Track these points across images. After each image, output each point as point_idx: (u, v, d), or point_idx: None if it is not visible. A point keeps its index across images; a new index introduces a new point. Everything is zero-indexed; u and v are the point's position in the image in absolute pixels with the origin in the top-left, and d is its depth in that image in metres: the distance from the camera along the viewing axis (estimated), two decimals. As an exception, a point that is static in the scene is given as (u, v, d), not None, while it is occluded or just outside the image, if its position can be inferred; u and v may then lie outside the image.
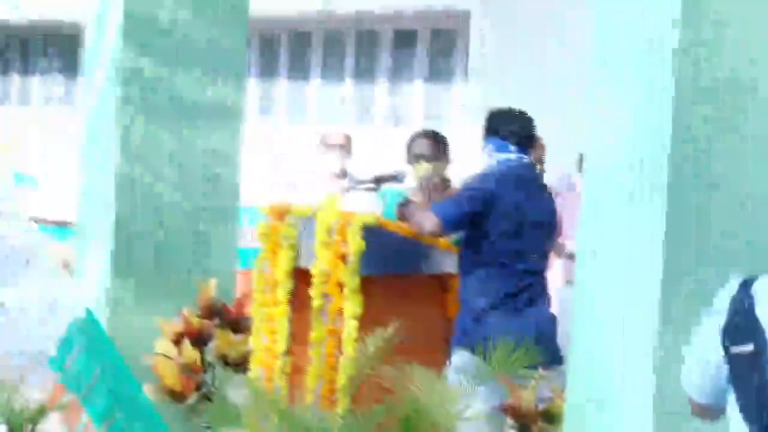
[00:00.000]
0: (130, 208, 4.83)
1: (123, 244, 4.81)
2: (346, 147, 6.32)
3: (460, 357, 3.73)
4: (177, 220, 4.94)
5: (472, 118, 9.15)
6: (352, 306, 3.85)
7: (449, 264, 4.18)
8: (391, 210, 4.81)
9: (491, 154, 4.00)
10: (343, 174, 6.15)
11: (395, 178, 4.61)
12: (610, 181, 3.11)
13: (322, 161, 6.38)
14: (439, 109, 14.52)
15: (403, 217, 4.01)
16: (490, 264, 3.87)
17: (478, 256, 3.89)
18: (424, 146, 4.63)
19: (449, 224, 3.91)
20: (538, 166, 6.46)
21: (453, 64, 14.44)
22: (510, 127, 4.01)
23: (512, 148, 3.98)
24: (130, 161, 4.82)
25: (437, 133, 4.79)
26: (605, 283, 3.09)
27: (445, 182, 4.66)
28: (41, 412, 4.00)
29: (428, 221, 3.89)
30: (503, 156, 3.98)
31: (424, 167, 4.53)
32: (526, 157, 3.99)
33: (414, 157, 4.63)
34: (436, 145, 4.62)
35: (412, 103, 14.97)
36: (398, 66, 15.16)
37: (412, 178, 4.68)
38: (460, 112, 12.84)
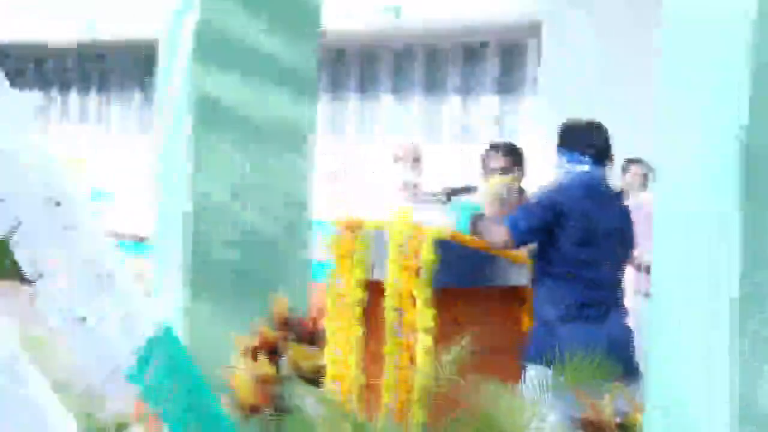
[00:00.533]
0: (205, 225, 4.88)
1: (199, 260, 4.86)
2: (416, 159, 6.33)
3: (533, 370, 3.69)
4: (251, 236, 4.98)
5: (542, 131, 9.10)
6: (424, 319, 3.84)
7: (522, 276, 4.15)
8: (464, 223, 4.80)
9: (563, 167, 3.97)
10: (414, 186, 6.16)
11: (467, 190, 4.60)
12: (683, 195, 3.06)
13: (392, 173, 6.39)
14: (509, 123, 14.46)
15: (475, 230, 4.00)
16: (560, 274, 3.84)
17: (549, 267, 3.87)
18: (497, 159, 4.61)
19: (520, 236, 3.90)
20: None
21: (523, 77, 14.38)
22: (584, 140, 3.97)
23: (586, 159, 3.95)
24: (205, 180, 4.87)
25: (512, 146, 4.76)
26: (682, 298, 3.05)
27: (519, 195, 4.63)
28: (123, 426, 4.04)
29: (499, 234, 3.88)
30: (576, 168, 3.95)
31: (498, 181, 4.51)
32: (600, 169, 3.96)
33: (488, 171, 4.62)
34: (510, 158, 4.59)
35: (481, 117, 14.92)
36: (467, 80, 15.14)
37: (486, 192, 4.65)
38: (530, 125, 12.77)
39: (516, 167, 4.58)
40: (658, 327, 3.13)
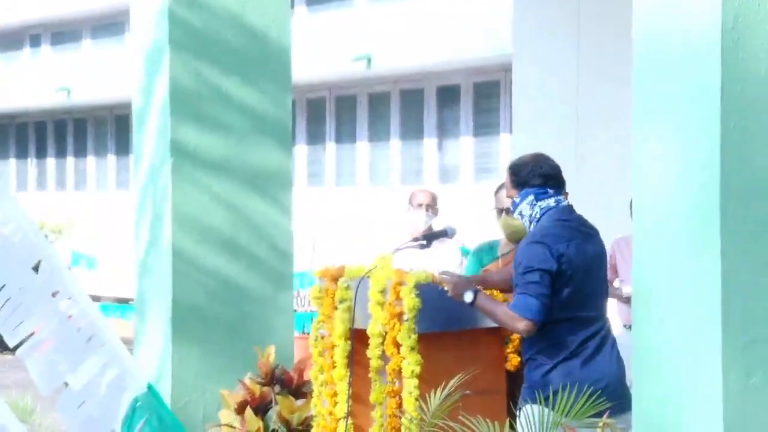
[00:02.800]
0: (185, 280, 4.87)
1: (181, 317, 4.85)
2: (431, 206, 6.33)
3: (528, 410, 3.66)
4: (233, 289, 4.98)
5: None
6: (410, 365, 3.83)
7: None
8: (476, 268, 4.77)
9: (533, 205, 3.89)
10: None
11: (445, 233, 4.59)
12: (661, 224, 3.08)
13: (407, 220, 6.39)
14: (488, 163, 14.51)
15: (484, 310, 3.89)
16: (560, 320, 3.76)
17: (549, 314, 3.79)
18: (506, 199, 4.59)
19: (540, 316, 3.74)
20: None
21: (498, 116, 14.46)
22: (539, 172, 3.92)
23: (550, 192, 3.91)
24: (183, 235, 4.87)
25: None
26: (663, 326, 3.05)
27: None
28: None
29: (519, 324, 3.70)
30: (544, 203, 3.88)
31: (507, 220, 4.49)
32: (563, 199, 3.90)
33: (499, 211, 4.59)
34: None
35: (460, 158, 14.98)
36: (444, 122, 15.21)
37: (502, 230, 4.64)
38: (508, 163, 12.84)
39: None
40: (640, 357, 3.13)
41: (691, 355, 2.98)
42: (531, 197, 3.88)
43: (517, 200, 3.93)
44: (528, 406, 3.66)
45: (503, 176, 4.21)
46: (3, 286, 4.07)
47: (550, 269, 3.73)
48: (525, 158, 4.00)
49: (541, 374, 3.74)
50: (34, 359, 4.11)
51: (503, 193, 4.60)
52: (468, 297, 3.85)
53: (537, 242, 3.80)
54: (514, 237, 4.63)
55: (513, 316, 3.70)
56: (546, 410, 3.35)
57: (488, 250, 4.89)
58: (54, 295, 4.15)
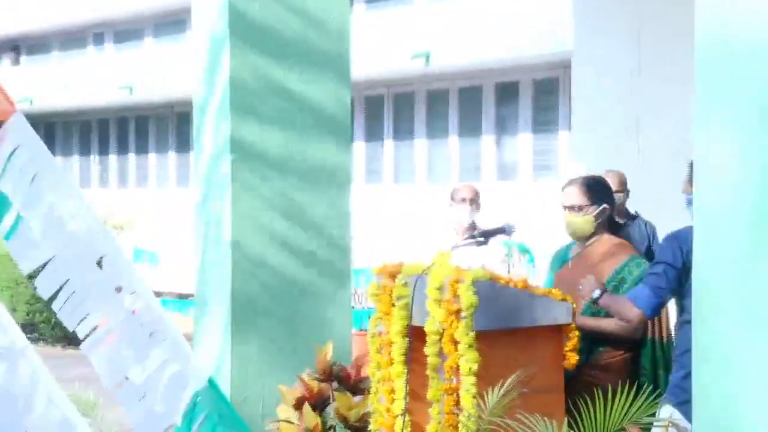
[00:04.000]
0: (245, 277, 4.91)
1: (240, 313, 4.89)
2: (474, 201, 6.34)
3: (664, 412, 3.68)
4: (292, 286, 5.00)
5: (580, 166, 9.07)
6: (468, 362, 3.82)
7: (564, 314, 4.13)
8: (550, 274, 4.79)
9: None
10: (473, 228, 6.18)
11: (503, 230, 4.58)
12: (722, 222, 3.03)
13: (451, 216, 6.41)
14: (546, 161, 14.43)
15: (606, 305, 4.06)
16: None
17: (685, 315, 3.82)
18: (572, 196, 4.59)
19: (650, 307, 3.87)
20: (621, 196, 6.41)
21: (557, 113, 14.37)
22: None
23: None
24: (243, 231, 4.91)
25: (590, 180, 4.72)
26: (724, 325, 3.01)
27: (606, 229, 4.58)
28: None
29: (630, 312, 3.88)
30: None
31: (572, 218, 4.53)
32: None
33: (564, 209, 4.60)
34: (587, 194, 4.57)
35: (519, 155, 14.91)
36: (502, 120, 15.14)
37: (567, 229, 4.64)
38: (566, 162, 12.74)
39: (597, 202, 4.55)
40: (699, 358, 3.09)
41: (753, 354, 2.93)
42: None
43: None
44: (665, 407, 3.67)
45: (562, 174, 4.26)
46: (67, 281, 4.15)
47: (674, 264, 3.79)
48: (597, 178, 4.19)
49: (680, 377, 3.75)
50: (98, 353, 4.18)
51: (570, 189, 4.59)
52: (595, 294, 4.03)
53: (669, 238, 3.91)
54: (577, 236, 4.62)
55: (626, 304, 3.76)
56: (678, 416, 3.34)
57: (563, 254, 4.87)
58: (118, 289, 4.22)
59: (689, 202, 4.15)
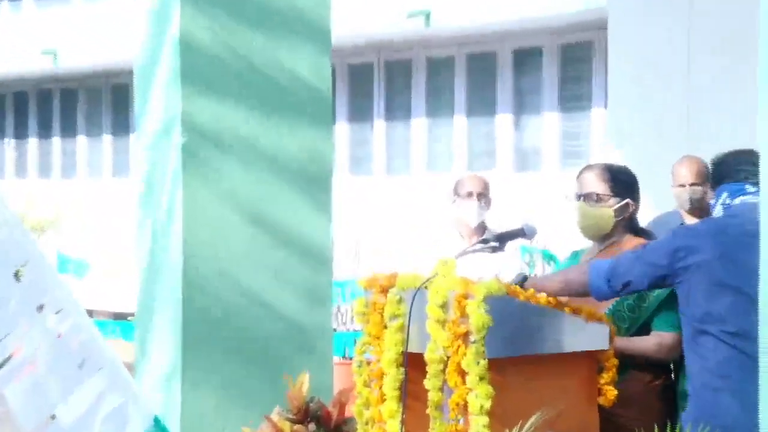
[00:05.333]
0: (200, 290, 4.91)
1: (194, 336, 4.89)
2: (484, 196, 6.33)
3: None
4: (258, 303, 5.01)
5: (618, 153, 9.09)
6: (478, 398, 3.84)
7: (599, 338, 4.15)
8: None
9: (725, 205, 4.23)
10: (483, 230, 6.19)
11: (522, 233, 4.60)
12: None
13: (456, 214, 6.41)
14: (577, 145, 14.47)
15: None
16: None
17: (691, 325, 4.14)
18: (589, 183, 4.62)
19: (596, 289, 4.12)
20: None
21: (590, 86, 14.40)
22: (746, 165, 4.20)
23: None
24: (197, 233, 4.91)
25: (613, 167, 4.76)
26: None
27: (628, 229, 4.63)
28: None
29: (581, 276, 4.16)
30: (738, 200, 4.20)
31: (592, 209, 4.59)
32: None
33: (578, 197, 4.64)
34: (609, 183, 4.60)
35: (542, 139, 14.94)
36: (521, 94, 15.17)
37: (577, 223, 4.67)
38: (600, 147, 12.78)
39: (616, 196, 4.58)
40: None
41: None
42: (725, 194, 4.29)
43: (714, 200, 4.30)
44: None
45: (594, 160, 4.33)
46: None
47: (656, 262, 4.18)
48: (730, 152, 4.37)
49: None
50: (15, 387, 4.16)
51: (588, 175, 4.64)
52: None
53: (677, 232, 4.26)
54: (590, 233, 4.64)
55: (579, 269, 4.29)
56: None
57: (571, 263, 4.89)
58: (40, 308, 4.21)
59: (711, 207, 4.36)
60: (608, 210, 4.61)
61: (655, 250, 4.18)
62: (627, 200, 4.63)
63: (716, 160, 4.35)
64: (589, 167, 4.75)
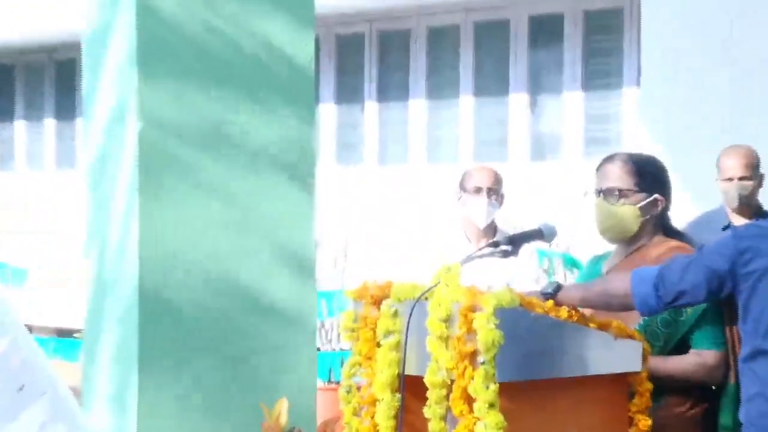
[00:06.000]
0: (159, 302, 4.92)
1: (151, 356, 4.90)
2: (495, 191, 6.37)
3: None
4: (228, 319, 5.02)
5: (652, 140, 9.11)
6: (488, 428, 3.85)
7: (631, 358, 4.16)
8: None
9: None
10: (493, 231, 6.22)
11: (540, 234, 4.61)
12: None
13: (461, 212, 6.44)
14: (604, 130, 14.49)
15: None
16: None
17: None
18: (612, 176, 4.64)
19: (642, 303, 4.18)
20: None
21: (620, 61, 14.43)
22: None
23: None
24: (156, 236, 4.92)
25: (640, 158, 4.79)
26: None
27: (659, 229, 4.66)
28: None
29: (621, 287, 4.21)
30: None
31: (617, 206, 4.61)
32: None
33: (598, 194, 4.67)
34: (635, 176, 4.62)
35: (563, 123, 14.97)
36: (539, 70, 15.19)
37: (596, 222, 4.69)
38: (632, 132, 12.80)
39: (643, 191, 4.61)
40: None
41: None
42: None
43: None
44: None
45: (627, 149, 4.35)
46: None
47: (712, 265, 4.17)
48: None
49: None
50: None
51: (610, 167, 4.66)
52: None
53: (737, 234, 4.20)
54: (613, 234, 4.67)
55: (621, 278, 4.18)
56: None
57: (592, 268, 4.92)
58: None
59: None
60: (633, 208, 4.63)
61: (715, 253, 4.13)
62: (655, 196, 4.65)
63: None
64: (610, 158, 4.75)
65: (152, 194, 4.91)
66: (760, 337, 4.06)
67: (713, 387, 4.53)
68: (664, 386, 4.37)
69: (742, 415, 4.16)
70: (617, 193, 4.62)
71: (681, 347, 4.50)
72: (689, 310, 4.43)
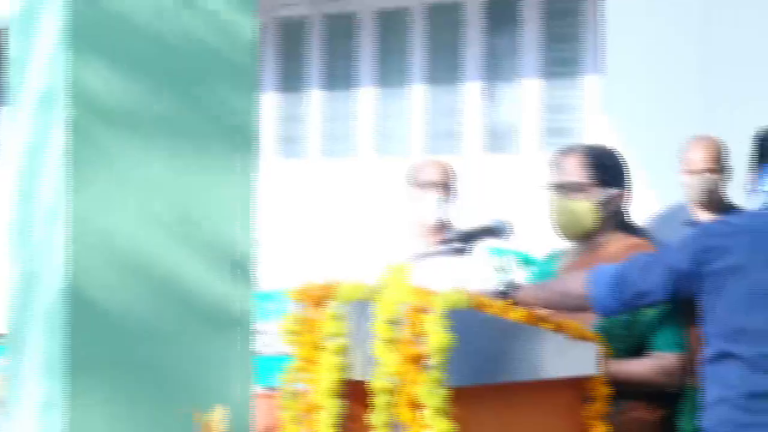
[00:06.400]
0: (87, 305, 4.91)
1: (80, 362, 4.89)
2: (447, 186, 6.39)
3: None
4: (163, 321, 5.02)
5: (616, 131, 9.18)
6: (437, 436, 3.89)
7: (587, 361, 4.20)
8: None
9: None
10: (444, 227, 6.25)
11: (493, 232, 4.66)
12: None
13: (410, 208, 6.46)
14: (564, 120, 14.55)
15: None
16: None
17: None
18: (568, 170, 4.67)
19: (599, 303, 4.29)
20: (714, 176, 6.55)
21: (580, 46, 14.49)
22: None
23: None
24: (86, 231, 4.92)
25: (598, 150, 4.84)
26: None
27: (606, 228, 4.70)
28: None
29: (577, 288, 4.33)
30: None
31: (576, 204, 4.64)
32: None
33: (552, 189, 4.70)
34: (592, 169, 4.65)
35: (520, 112, 15.02)
36: (495, 57, 15.23)
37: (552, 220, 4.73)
38: (594, 123, 12.86)
39: (601, 185, 4.65)
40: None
41: None
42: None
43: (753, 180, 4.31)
44: None
45: (588, 141, 4.38)
46: None
47: (674, 265, 4.24)
48: None
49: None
50: None
51: (566, 161, 4.70)
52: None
53: (699, 231, 4.29)
54: (569, 231, 4.71)
55: (577, 279, 4.25)
56: None
57: (546, 267, 4.96)
58: None
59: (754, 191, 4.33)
60: (590, 203, 4.66)
61: (677, 251, 4.18)
62: (614, 190, 4.68)
63: (763, 134, 4.30)
64: (568, 150, 4.76)
65: (83, 188, 4.92)
66: (724, 339, 4.09)
67: (673, 391, 4.57)
68: (622, 390, 4.40)
69: (703, 421, 4.19)
70: (575, 187, 4.65)
71: (640, 349, 4.53)
72: (649, 310, 4.45)
